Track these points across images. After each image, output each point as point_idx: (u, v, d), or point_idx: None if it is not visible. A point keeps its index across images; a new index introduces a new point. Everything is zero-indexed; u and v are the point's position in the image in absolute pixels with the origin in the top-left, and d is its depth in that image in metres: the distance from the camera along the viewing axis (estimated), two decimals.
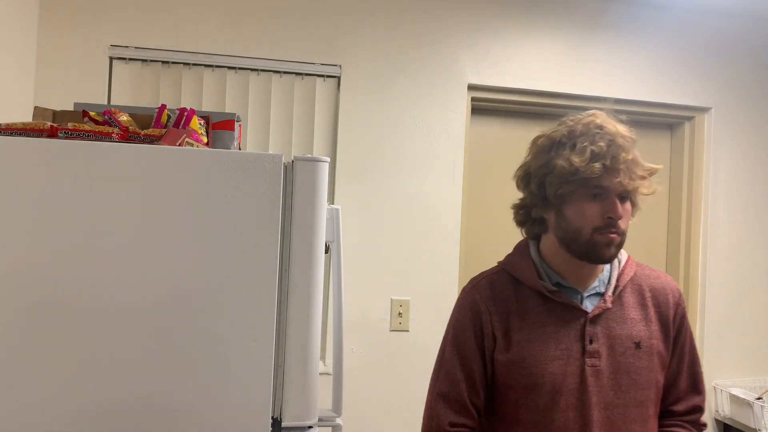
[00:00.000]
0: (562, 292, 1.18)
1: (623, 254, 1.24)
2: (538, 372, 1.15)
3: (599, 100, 2.56)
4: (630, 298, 1.20)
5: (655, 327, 1.19)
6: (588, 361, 1.15)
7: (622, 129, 1.14)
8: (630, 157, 1.11)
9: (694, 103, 2.64)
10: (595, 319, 1.16)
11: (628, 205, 1.14)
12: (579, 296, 1.18)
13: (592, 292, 1.19)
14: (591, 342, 1.15)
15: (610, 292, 1.18)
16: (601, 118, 1.15)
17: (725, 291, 2.62)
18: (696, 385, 1.24)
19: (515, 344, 1.17)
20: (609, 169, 1.09)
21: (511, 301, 1.20)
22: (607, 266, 1.21)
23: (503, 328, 1.19)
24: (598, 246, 1.12)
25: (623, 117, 1.17)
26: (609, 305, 1.17)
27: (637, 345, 1.16)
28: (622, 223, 1.13)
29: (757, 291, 2.65)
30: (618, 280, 1.20)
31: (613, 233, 1.12)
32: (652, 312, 1.20)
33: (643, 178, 1.13)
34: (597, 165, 1.09)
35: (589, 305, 1.18)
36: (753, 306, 2.65)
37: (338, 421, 1.26)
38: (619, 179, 1.09)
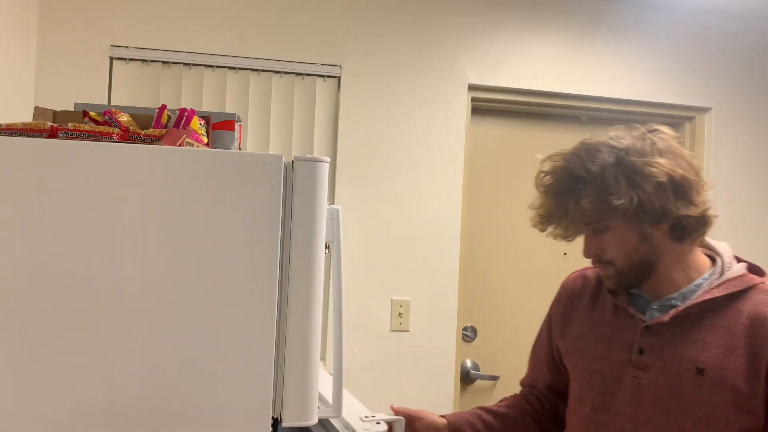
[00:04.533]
0: (626, 298, 1.16)
1: (737, 271, 1.11)
2: (581, 365, 1.19)
3: (599, 100, 2.56)
4: (715, 321, 1.07)
5: (738, 360, 1.03)
6: (632, 371, 1.10)
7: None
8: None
9: (694, 103, 2.64)
10: (655, 330, 1.10)
11: (609, 234, 1.10)
12: (648, 305, 1.13)
13: (667, 303, 1.11)
14: (641, 353, 1.10)
15: (681, 308, 1.08)
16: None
17: None
18: None
19: (572, 335, 1.23)
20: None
21: (585, 296, 1.24)
22: (699, 281, 1.11)
23: (563, 316, 1.27)
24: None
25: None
26: (665, 319, 1.08)
27: (700, 371, 1.04)
28: (605, 255, 1.11)
29: None
30: (701, 296, 1.08)
31: (599, 266, 1.15)
32: (741, 342, 1.04)
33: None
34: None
35: (656, 315, 1.12)
36: None
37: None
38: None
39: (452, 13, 2.44)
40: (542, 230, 1.17)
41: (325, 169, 1.03)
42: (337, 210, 1.11)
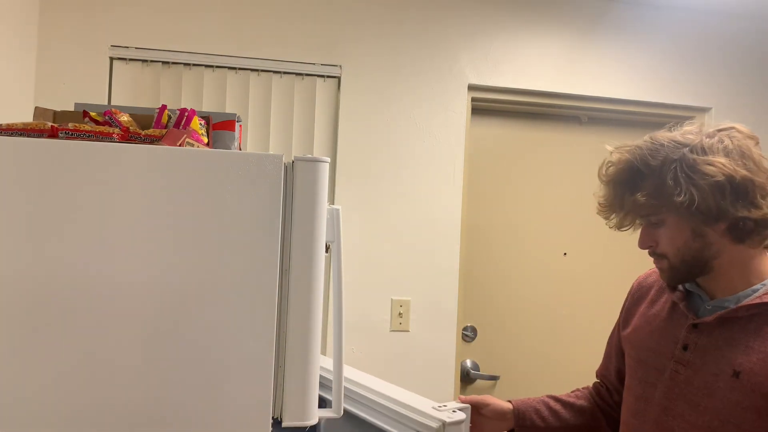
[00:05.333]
0: (683, 294, 1.18)
1: None
2: (632, 355, 1.24)
3: (599, 100, 2.56)
4: (761, 326, 1.05)
5: None
6: (673, 365, 1.13)
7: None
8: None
9: (694, 103, 2.64)
10: (701, 329, 1.11)
11: (663, 228, 1.10)
12: (704, 304, 1.14)
13: (721, 304, 1.11)
14: (685, 349, 1.12)
15: (728, 310, 1.09)
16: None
17: None
18: None
19: (632, 326, 1.27)
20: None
21: (652, 290, 1.27)
22: (757, 286, 1.09)
23: (629, 308, 1.32)
24: None
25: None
26: (710, 320, 1.10)
27: (736, 374, 1.04)
28: (659, 249, 1.12)
29: None
30: (751, 300, 1.07)
31: (655, 260, 1.16)
32: None
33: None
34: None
35: (707, 315, 1.12)
36: None
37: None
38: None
39: (452, 13, 2.44)
40: (605, 218, 1.18)
41: (325, 169, 1.03)
42: (337, 210, 1.11)
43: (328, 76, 2.35)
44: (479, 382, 2.52)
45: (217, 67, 2.26)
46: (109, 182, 0.96)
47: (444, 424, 1.15)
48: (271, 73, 2.31)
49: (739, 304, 1.07)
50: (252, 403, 0.98)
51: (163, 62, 2.23)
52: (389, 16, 2.39)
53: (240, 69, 2.28)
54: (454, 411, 1.20)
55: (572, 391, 1.41)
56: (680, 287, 1.19)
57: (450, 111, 2.43)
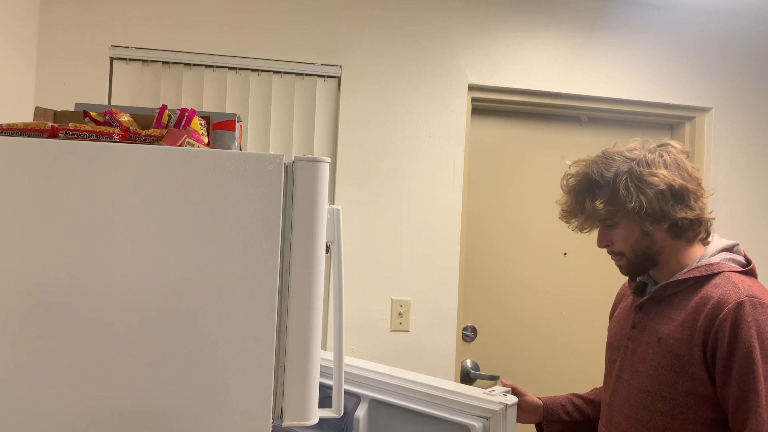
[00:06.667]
0: (638, 284, 1.40)
1: (711, 260, 1.29)
2: (607, 342, 1.46)
3: (599, 100, 2.56)
4: (682, 300, 1.28)
5: (684, 331, 1.24)
6: (626, 342, 1.36)
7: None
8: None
9: (694, 103, 2.64)
10: (644, 309, 1.34)
11: (617, 230, 1.31)
12: (650, 289, 1.37)
13: (657, 287, 1.33)
14: (633, 327, 1.35)
15: (654, 290, 1.33)
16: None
17: None
18: (738, 413, 1.16)
19: (612, 319, 1.51)
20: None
21: (630, 288, 1.44)
22: (684, 270, 1.30)
23: (614, 306, 1.55)
24: None
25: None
26: (644, 300, 1.34)
27: (659, 340, 1.27)
28: (615, 247, 1.33)
29: None
30: (671, 279, 1.31)
31: (613, 256, 1.36)
32: (690, 317, 1.24)
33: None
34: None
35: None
36: None
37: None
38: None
39: (452, 14, 2.44)
40: (566, 222, 1.40)
41: (325, 169, 1.04)
42: (338, 210, 1.11)
43: (328, 76, 2.36)
44: (479, 382, 2.52)
45: (217, 67, 2.26)
46: (109, 182, 0.96)
47: (506, 407, 1.27)
48: (271, 73, 2.31)
49: (662, 284, 1.31)
50: (252, 403, 0.98)
51: (163, 62, 2.23)
52: (390, 16, 2.39)
53: (240, 69, 2.28)
54: (504, 394, 1.31)
55: (592, 390, 1.57)
56: (637, 279, 1.40)
57: (450, 111, 2.43)
